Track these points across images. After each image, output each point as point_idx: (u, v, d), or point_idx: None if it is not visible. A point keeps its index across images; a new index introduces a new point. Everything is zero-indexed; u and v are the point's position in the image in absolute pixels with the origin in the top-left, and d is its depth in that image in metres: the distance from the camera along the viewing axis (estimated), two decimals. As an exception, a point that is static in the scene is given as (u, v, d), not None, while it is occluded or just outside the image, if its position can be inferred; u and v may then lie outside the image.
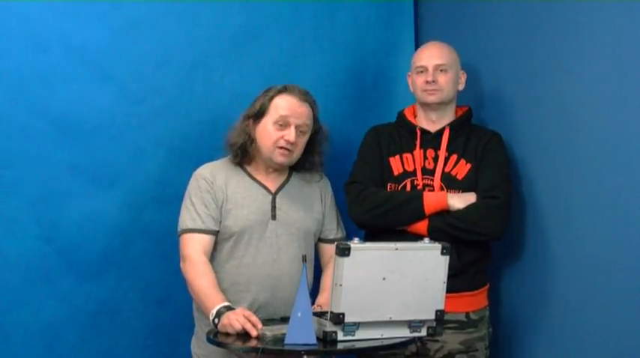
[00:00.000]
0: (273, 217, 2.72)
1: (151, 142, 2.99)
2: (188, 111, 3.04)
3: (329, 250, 2.83)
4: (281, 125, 2.68)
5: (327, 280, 2.78)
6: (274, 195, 2.75)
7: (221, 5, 3.09)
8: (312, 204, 2.81)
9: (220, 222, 2.68)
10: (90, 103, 2.90)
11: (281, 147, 2.68)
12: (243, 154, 2.74)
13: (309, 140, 2.77)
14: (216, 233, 2.68)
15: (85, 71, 2.89)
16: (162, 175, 2.97)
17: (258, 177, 2.76)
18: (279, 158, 2.70)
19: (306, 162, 2.81)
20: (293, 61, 3.20)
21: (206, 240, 2.67)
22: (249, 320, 2.38)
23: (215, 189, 2.69)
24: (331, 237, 2.85)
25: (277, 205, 2.74)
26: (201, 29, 3.06)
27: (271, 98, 2.71)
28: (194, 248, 2.64)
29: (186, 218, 2.68)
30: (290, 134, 2.67)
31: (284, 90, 2.73)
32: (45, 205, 2.85)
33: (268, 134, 2.69)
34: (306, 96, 2.74)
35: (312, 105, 2.75)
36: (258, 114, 2.72)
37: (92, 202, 2.91)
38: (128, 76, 2.95)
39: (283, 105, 2.70)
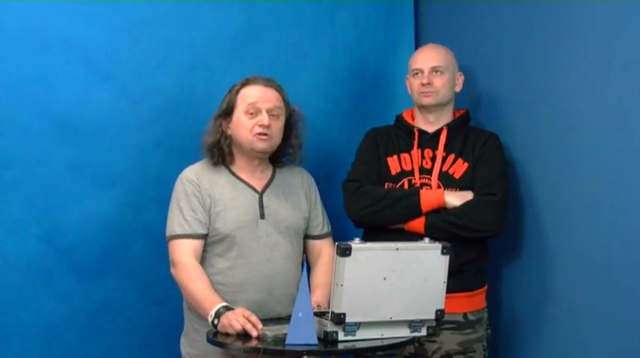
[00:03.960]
0: (262, 216, 2.72)
1: (151, 142, 2.99)
2: (188, 111, 3.04)
3: (317, 246, 2.85)
4: (252, 113, 2.70)
5: (319, 277, 2.79)
6: (261, 195, 2.75)
7: (221, 5, 3.10)
8: (298, 202, 2.81)
9: (209, 225, 2.68)
10: (90, 103, 2.90)
11: (258, 134, 2.69)
12: (220, 153, 2.74)
13: (285, 125, 2.78)
14: (204, 236, 2.68)
15: (85, 71, 2.90)
16: (163, 175, 2.96)
17: (244, 177, 2.76)
18: (259, 144, 2.69)
19: (286, 148, 2.82)
20: (293, 60, 3.21)
21: (196, 244, 2.66)
22: (249, 321, 2.38)
23: (202, 192, 2.69)
24: (317, 233, 2.86)
25: (265, 204, 2.73)
26: (201, 29, 3.06)
27: (237, 92, 2.74)
28: (184, 253, 2.64)
29: (174, 223, 2.67)
30: (263, 118, 2.68)
31: (247, 82, 2.75)
32: (45, 205, 2.85)
33: (243, 125, 2.70)
34: (270, 82, 2.76)
35: (279, 89, 2.77)
36: (228, 111, 2.73)
37: (92, 202, 2.91)
38: (128, 76, 2.96)
39: (250, 94, 2.72)
